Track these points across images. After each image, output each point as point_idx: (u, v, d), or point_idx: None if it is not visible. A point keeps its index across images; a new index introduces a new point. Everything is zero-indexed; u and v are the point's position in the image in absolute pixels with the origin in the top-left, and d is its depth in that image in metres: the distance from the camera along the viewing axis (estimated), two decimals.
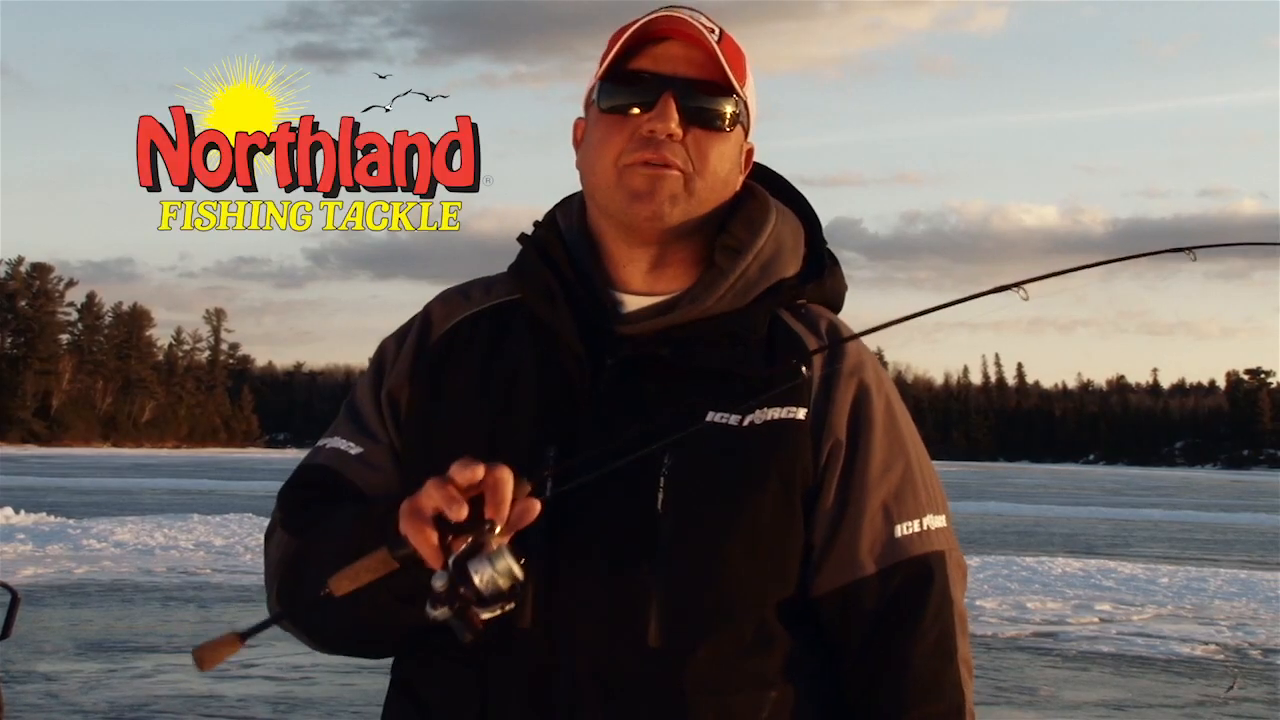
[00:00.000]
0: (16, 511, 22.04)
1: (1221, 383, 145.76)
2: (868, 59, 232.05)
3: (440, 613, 1.32)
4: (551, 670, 1.46)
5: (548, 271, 1.60)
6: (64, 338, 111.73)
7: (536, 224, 1.68)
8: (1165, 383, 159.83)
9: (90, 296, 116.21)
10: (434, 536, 1.32)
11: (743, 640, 1.49)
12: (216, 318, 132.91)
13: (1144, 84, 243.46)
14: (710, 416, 1.51)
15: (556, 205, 1.70)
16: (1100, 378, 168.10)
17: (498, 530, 1.32)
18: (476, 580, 1.30)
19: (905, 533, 1.55)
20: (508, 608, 1.32)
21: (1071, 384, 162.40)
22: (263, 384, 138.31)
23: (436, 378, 1.61)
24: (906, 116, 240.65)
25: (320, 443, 1.66)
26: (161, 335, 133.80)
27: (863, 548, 1.53)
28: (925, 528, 1.56)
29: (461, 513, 1.31)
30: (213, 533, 20.30)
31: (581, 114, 1.65)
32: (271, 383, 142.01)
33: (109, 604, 12.89)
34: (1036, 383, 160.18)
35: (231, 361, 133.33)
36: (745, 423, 1.51)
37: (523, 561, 1.32)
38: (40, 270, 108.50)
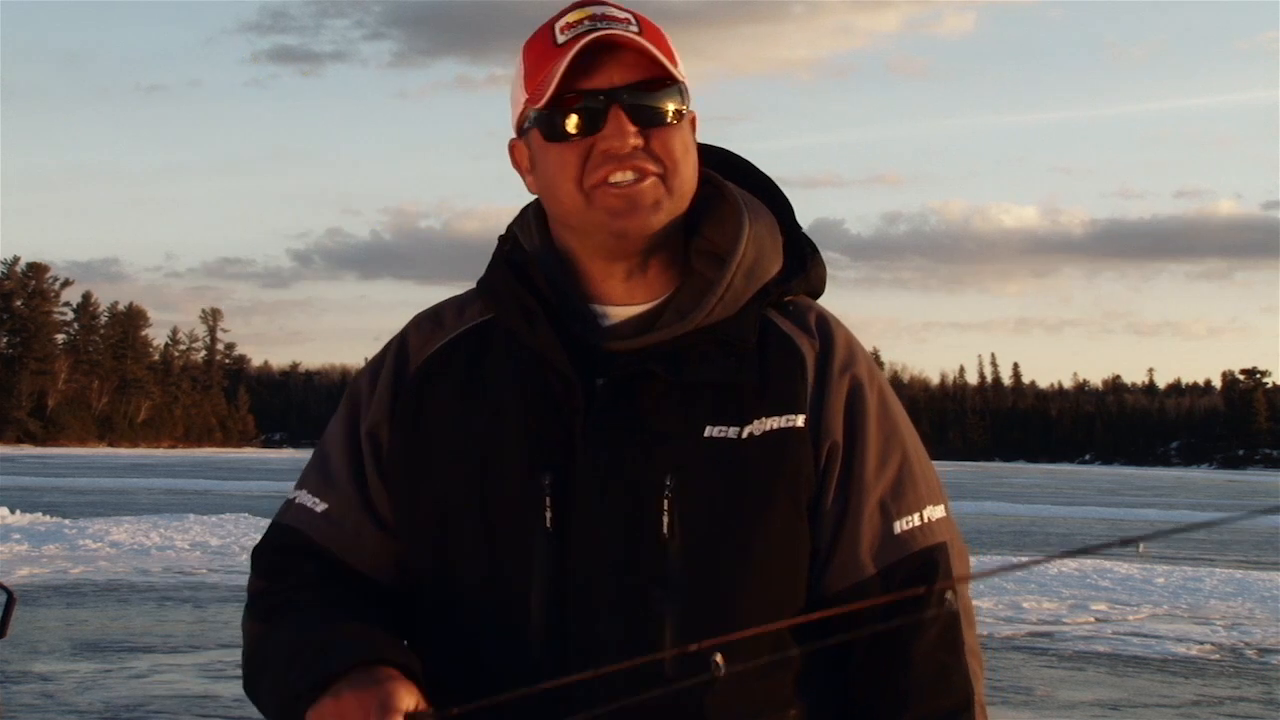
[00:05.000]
0: (12, 512, 22.02)
1: (1217, 383, 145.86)
2: (839, 61, 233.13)
3: None
4: (571, 707, 1.40)
5: (523, 289, 1.53)
6: (60, 338, 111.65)
7: (502, 239, 1.62)
8: (1161, 383, 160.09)
9: (86, 296, 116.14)
10: None
11: (759, 661, 1.43)
12: (212, 317, 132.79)
13: (1116, 86, 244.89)
14: (708, 431, 1.46)
15: (513, 223, 1.63)
16: (1096, 378, 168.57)
17: None
18: None
19: (905, 528, 1.51)
20: None
21: (1067, 384, 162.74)
22: (259, 384, 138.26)
23: (417, 412, 1.55)
24: (881, 118, 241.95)
25: (291, 495, 1.61)
26: (157, 335, 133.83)
27: (863, 549, 1.49)
28: (925, 520, 1.52)
29: None
30: (209, 533, 20.28)
31: (513, 135, 1.57)
32: (268, 382, 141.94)
33: (105, 604, 12.87)
34: (1032, 383, 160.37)
35: (227, 361, 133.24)
36: (745, 434, 1.47)
37: None
38: (36, 270, 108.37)
